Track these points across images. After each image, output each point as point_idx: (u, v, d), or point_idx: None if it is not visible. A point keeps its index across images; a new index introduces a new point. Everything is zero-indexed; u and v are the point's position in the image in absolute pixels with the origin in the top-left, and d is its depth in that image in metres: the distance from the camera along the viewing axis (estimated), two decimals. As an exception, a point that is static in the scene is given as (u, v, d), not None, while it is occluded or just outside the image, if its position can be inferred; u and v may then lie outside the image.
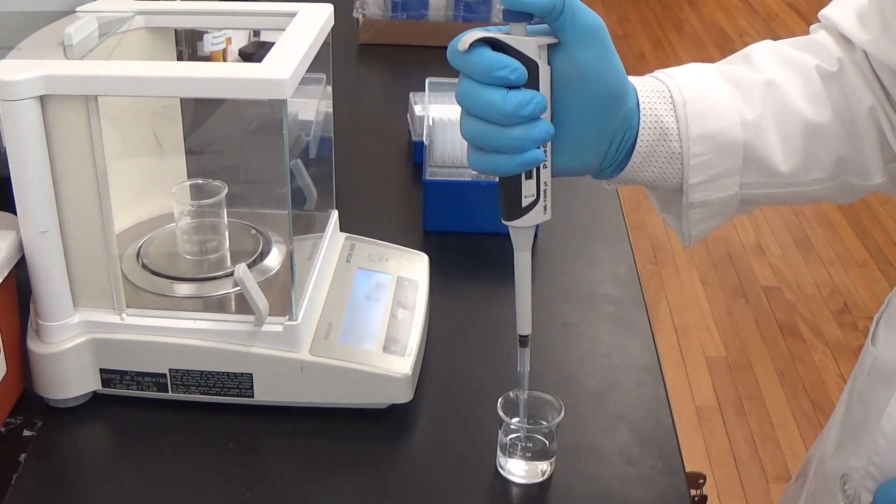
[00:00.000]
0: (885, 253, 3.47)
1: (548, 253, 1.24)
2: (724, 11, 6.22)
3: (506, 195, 0.76)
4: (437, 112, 1.37)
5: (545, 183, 0.75)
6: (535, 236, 1.20)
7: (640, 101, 0.79)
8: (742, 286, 3.24)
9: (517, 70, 0.71)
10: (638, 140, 0.79)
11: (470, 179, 1.26)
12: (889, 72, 0.82)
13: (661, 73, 0.82)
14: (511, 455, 0.87)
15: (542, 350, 1.05)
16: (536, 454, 0.87)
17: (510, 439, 0.87)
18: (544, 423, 0.87)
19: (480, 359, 1.04)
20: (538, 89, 0.72)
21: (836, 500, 0.90)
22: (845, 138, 0.83)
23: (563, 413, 0.85)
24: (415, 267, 1.06)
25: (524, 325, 0.82)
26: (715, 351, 2.92)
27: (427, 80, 1.46)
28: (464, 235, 1.26)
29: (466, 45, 0.70)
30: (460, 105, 0.74)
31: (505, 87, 0.71)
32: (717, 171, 0.80)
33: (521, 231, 0.77)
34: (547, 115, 0.73)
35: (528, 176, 0.74)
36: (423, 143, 1.32)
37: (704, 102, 0.80)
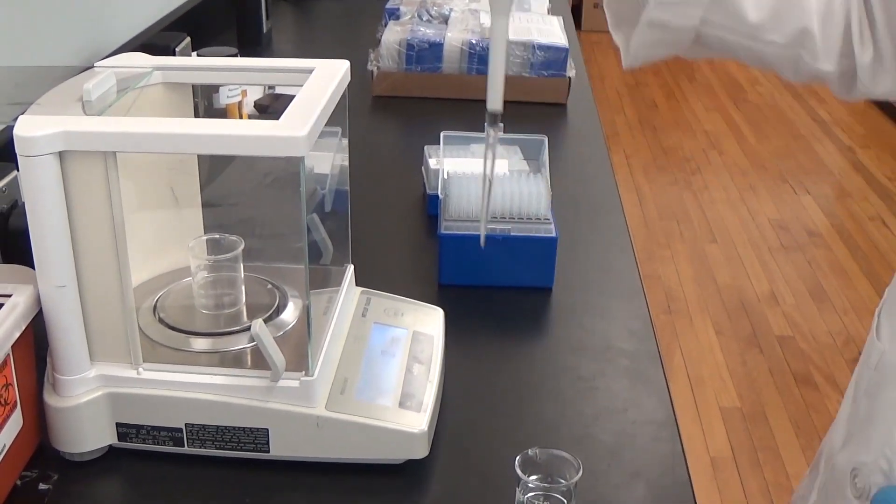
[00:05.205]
0: (900, 302, 3.45)
1: (562, 306, 1.23)
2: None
3: None
4: (452, 165, 1.37)
5: None
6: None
7: None
8: (756, 336, 3.23)
9: None
10: None
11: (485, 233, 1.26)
12: None
13: None
14: (528, 513, 0.86)
15: (557, 404, 1.05)
16: (553, 512, 0.86)
17: (528, 498, 0.86)
18: (563, 481, 0.86)
19: (496, 414, 1.03)
20: None
21: (846, 493, 0.90)
22: (815, 12, 0.83)
23: (581, 472, 0.85)
24: (430, 321, 1.06)
25: (495, 100, 0.79)
26: (729, 401, 2.90)
27: (442, 134, 1.46)
28: (479, 289, 1.26)
29: None
30: None
31: None
32: None
33: None
34: None
35: None
36: (437, 196, 1.33)
37: None
